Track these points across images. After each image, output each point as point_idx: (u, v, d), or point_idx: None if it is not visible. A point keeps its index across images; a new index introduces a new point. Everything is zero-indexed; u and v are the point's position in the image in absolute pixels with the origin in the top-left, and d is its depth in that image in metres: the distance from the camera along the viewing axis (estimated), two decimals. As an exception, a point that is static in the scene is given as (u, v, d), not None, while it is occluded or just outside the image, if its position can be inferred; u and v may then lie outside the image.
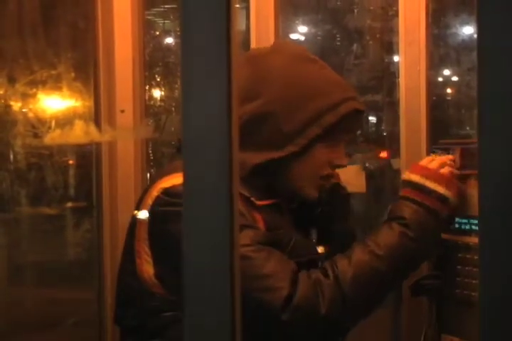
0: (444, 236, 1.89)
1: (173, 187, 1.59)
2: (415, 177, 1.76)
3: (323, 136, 1.69)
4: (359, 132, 1.81)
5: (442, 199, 1.73)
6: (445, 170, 1.78)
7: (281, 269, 1.55)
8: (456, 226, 1.87)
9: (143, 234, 1.61)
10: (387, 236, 1.67)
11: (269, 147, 1.67)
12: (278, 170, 1.70)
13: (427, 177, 1.75)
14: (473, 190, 1.81)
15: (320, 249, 1.77)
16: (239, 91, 1.63)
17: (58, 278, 3.56)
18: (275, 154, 1.66)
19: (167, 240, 1.57)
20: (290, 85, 1.67)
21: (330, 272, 1.61)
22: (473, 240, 1.81)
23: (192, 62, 0.69)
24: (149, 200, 1.62)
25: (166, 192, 1.59)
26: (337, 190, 1.84)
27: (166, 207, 1.58)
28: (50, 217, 3.63)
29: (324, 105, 1.68)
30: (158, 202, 1.60)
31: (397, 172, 2.49)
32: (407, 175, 1.79)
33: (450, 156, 1.83)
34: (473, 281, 1.80)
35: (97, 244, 2.62)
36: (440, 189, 1.74)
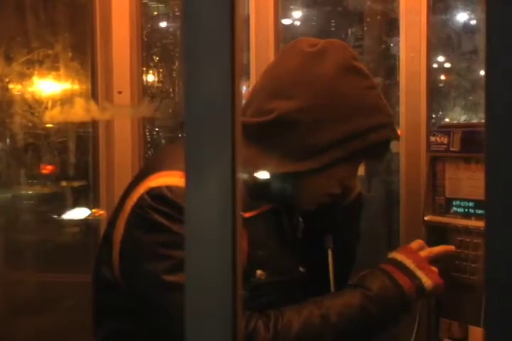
0: (443, 219, 1.88)
1: (159, 188, 1.53)
2: (404, 259, 1.68)
3: (346, 158, 1.61)
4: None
5: (421, 289, 1.65)
6: (430, 259, 1.70)
7: None
8: (456, 209, 1.86)
9: (121, 228, 1.59)
10: (345, 305, 1.59)
11: (287, 156, 1.59)
12: (287, 180, 1.64)
13: (416, 264, 1.67)
14: (474, 173, 1.80)
15: (302, 269, 1.71)
16: (278, 79, 1.60)
17: (54, 259, 3.55)
18: (293, 167, 1.59)
19: (135, 247, 1.55)
20: (328, 99, 1.58)
21: (272, 324, 1.53)
22: (473, 223, 1.80)
23: (195, 38, 0.68)
24: (135, 197, 1.56)
25: (151, 193, 1.53)
26: (359, 199, 1.82)
27: (145, 212, 1.53)
28: (47, 197, 3.62)
29: (356, 129, 1.59)
30: (141, 202, 1.54)
31: (396, 155, 2.49)
32: (396, 255, 1.70)
33: (442, 247, 1.76)
34: (473, 265, 1.79)
35: (93, 225, 2.61)
36: (425, 280, 1.65)
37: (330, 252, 1.72)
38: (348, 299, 1.61)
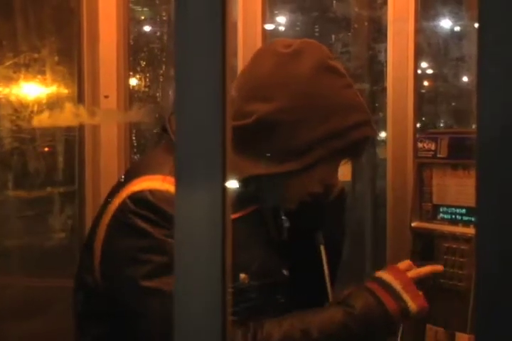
0: (430, 225, 1.88)
1: (142, 192, 1.52)
2: (392, 280, 1.66)
3: (327, 157, 1.61)
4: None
5: (405, 311, 1.64)
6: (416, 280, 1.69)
7: None
8: (443, 216, 1.86)
9: (102, 232, 1.58)
10: (327, 322, 1.58)
11: (269, 158, 1.59)
12: (271, 181, 1.63)
13: (403, 286, 1.65)
14: (461, 179, 1.80)
15: (285, 272, 1.70)
16: (254, 81, 1.60)
17: (39, 264, 3.54)
18: (274, 169, 1.59)
19: (115, 251, 1.55)
20: (306, 99, 1.58)
21: (250, 335, 1.52)
22: (461, 230, 1.80)
23: (186, 41, 0.67)
24: (117, 202, 1.56)
25: (133, 197, 1.53)
26: (342, 195, 1.82)
27: (126, 217, 1.52)
28: (32, 202, 3.60)
29: (335, 128, 1.59)
30: (122, 207, 1.54)
31: (383, 161, 2.49)
32: (383, 275, 1.68)
33: (430, 268, 1.76)
34: (460, 271, 1.79)
35: (79, 229, 2.60)
36: (411, 303, 1.63)
37: (322, 248, 1.72)
38: (330, 316, 1.60)
